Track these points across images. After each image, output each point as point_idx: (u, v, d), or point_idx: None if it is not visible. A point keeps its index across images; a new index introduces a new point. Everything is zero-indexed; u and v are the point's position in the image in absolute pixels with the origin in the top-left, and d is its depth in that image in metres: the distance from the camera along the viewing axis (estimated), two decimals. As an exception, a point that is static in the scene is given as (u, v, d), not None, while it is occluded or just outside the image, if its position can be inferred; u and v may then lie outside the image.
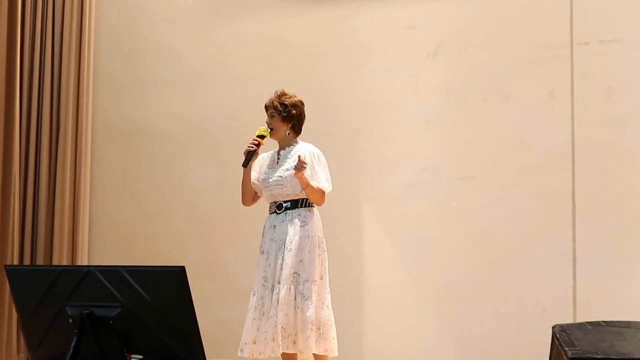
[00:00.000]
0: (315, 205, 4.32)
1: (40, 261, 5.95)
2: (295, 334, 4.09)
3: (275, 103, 4.37)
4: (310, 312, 4.09)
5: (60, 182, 6.00)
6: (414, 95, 5.50)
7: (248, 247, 5.79)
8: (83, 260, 6.01)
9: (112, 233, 6.15)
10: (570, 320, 4.93)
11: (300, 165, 4.13)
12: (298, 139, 4.43)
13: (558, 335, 2.77)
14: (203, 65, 6.04)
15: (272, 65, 5.84)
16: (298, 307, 4.11)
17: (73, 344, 2.52)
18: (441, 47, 5.48)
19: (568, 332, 2.83)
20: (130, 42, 6.25)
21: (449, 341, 5.31)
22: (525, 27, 5.29)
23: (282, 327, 4.05)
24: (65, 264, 5.91)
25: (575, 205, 5.11)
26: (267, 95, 5.77)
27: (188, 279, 2.46)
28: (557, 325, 3.05)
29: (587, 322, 3.19)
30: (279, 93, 4.40)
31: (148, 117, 6.15)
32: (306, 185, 4.19)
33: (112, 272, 2.56)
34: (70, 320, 2.55)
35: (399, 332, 5.39)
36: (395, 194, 5.47)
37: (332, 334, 4.19)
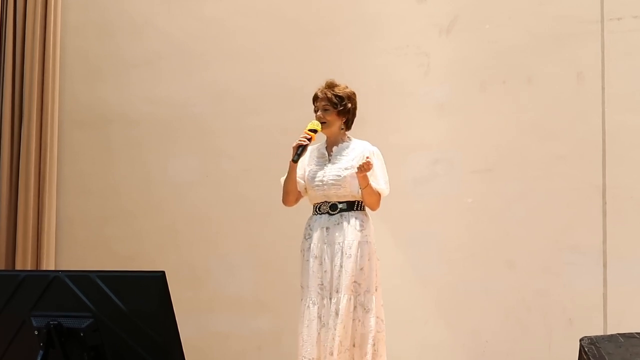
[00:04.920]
0: (369, 209, 4.39)
1: (0, 265, 5.95)
2: (353, 348, 4.18)
3: (329, 95, 4.36)
4: (372, 327, 4.18)
5: (24, 176, 5.99)
6: (425, 77, 5.50)
7: (235, 250, 5.80)
8: (49, 264, 6.00)
9: (82, 233, 6.14)
10: (600, 332, 4.93)
11: (366, 167, 4.18)
12: (348, 134, 4.46)
13: (586, 349, 2.79)
14: (186, 42, 6.03)
15: (264, 42, 5.83)
16: (358, 320, 4.20)
17: (39, 359, 2.53)
18: (455, 22, 5.48)
19: (598, 345, 2.84)
20: (103, 15, 6.24)
21: (463, 356, 5.32)
22: (550, 1, 5.29)
23: (340, 341, 4.13)
24: (29, 268, 5.91)
25: (606, 202, 5.11)
26: (257, 76, 5.82)
27: (168, 285, 2.46)
28: (585, 337, 3.06)
29: (619, 333, 3.20)
30: (329, 83, 4.40)
31: (123, 102, 6.14)
32: (366, 186, 4.26)
33: (83, 278, 2.56)
34: (36, 333, 2.56)
35: (406, 345, 5.39)
36: (403, 189, 5.47)
37: (385, 351, 4.28)
